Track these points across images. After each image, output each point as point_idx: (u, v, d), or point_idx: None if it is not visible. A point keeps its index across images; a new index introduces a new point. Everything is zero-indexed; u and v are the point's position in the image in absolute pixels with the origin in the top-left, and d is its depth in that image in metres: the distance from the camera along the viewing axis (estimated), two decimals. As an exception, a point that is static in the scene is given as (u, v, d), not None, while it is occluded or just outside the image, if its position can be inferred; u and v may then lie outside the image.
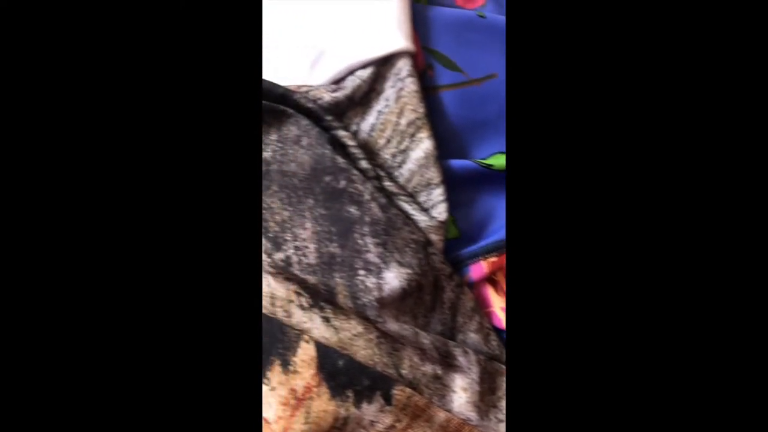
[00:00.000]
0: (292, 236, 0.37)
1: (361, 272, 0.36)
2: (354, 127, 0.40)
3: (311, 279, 0.36)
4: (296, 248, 0.36)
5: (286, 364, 0.37)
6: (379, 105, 0.40)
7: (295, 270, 0.36)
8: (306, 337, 0.37)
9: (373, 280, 0.36)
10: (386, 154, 0.40)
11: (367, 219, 0.36)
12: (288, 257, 0.36)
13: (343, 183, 0.37)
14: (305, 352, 0.37)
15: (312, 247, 0.36)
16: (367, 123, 0.40)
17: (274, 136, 0.38)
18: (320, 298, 0.37)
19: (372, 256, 0.36)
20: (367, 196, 0.36)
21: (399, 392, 0.36)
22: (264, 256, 0.37)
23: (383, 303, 0.36)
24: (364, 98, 0.40)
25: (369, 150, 0.40)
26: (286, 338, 0.38)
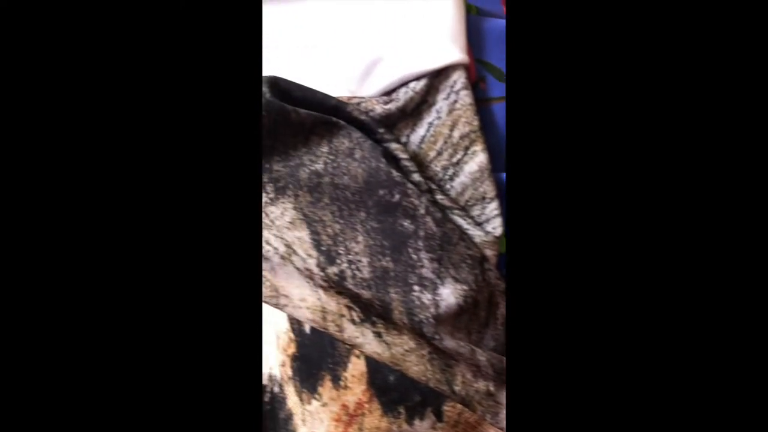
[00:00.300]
0: (345, 250, 0.36)
1: (416, 288, 0.35)
2: (404, 139, 0.40)
3: (366, 294, 0.35)
4: (350, 262, 0.36)
5: (336, 380, 0.37)
6: (430, 117, 0.40)
7: (350, 284, 0.36)
8: (356, 351, 0.37)
9: (429, 296, 0.35)
10: (437, 167, 0.40)
11: (421, 233, 0.36)
12: (342, 271, 0.36)
13: (397, 197, 0.36)
14: (355, 367, 0.37)
15: (365, 261, 0.36)
16: (417, 135, 0.40)
17: (325, 148, 0.38)
18: (372, 312, 0.36)
19: (426, 272, 0.36)
20: (422, 211, 0.36)
21: (450, 408, 0.36)
22: (316, 270, 0.36)
23: (440, 320, 0.35)
24: (415, 110, 0.40)
25: (419, 162, 0.40)
26: (336, 353, 0.37)
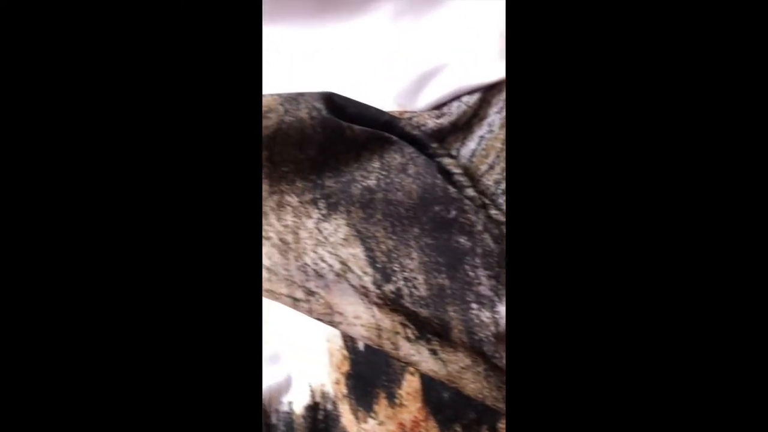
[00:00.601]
0: (399, 267, 0.36)
1: (474, 306, 0.35)
2: (453, 153, 0.39)
3: (424, 312, 0.35)
4: (406, 279, 0.36)
5: (391, 397, 0.37)
6: (481, 130, 0.39)
7: (407, 302, 0.35)
8: (410, 368, 0.37)
9: (488, 314, 0.35)
10: (488, 181, 0.39)
11: (479, 250, 0.35)
12: (399, 289, 0.36)
13: (454, 213, 0.36)
14: (410, 385, 0.37)
15: (421, 278, 0.36)
16: (468, 149, 0.39)
17: (376, 164, 0.37)
18: (427, 330, 0.36)
19: (484, 289, 0.35)
20: (479, 227, 0.35)
21: (505, 426, 0.36)
22: (372, 287, 0.36)
23: (500, 338, 0.35)
24: (466, 124, 0.39)
25: (470, 176, 0.39)
26: (391, 370, 0.37)
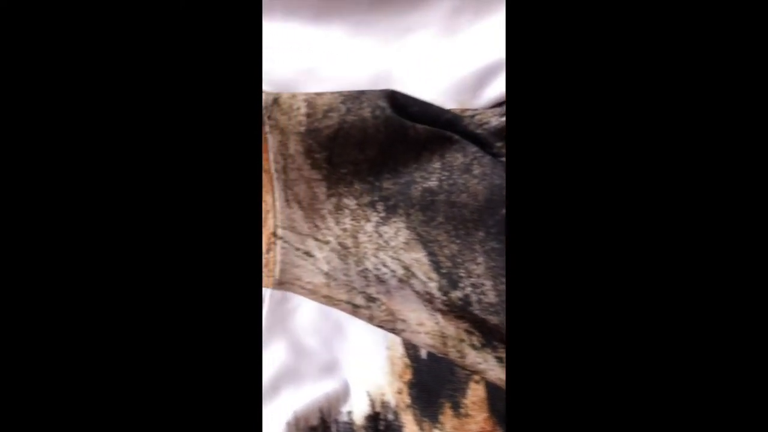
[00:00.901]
0: (465, 272, 0.34)
1: (546, 312, 0.34)
2: (515, 152, 0.38)
3: (493, 319, 0.34)
4: (473, 286, 0.34)
5: (457, 407, 0.35)
6: (544, 128, 0.38)
7: (476, 309, 0.34)
8: (475, 377, 0.35)
9: (562, 321, 0.33)
10: (552, 181, 0.38)
11: (550, 254, 0.34)
12: (467, 296, 0.34)
13: (523, 216, 0.34)
14: (475, 394, 0.35)
15: (488, 284, 0.34)
16: (529, 147, 0.38)
17: (437, 164, 0.36)
18: (493, 337, 0.35)
19: (557, 295, 0.34)
20: (551, 231, 0.34)
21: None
22: (438, 294, 0.34)
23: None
24: (528, 121, 0.38)
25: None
26: (455, 379, 0.36)
